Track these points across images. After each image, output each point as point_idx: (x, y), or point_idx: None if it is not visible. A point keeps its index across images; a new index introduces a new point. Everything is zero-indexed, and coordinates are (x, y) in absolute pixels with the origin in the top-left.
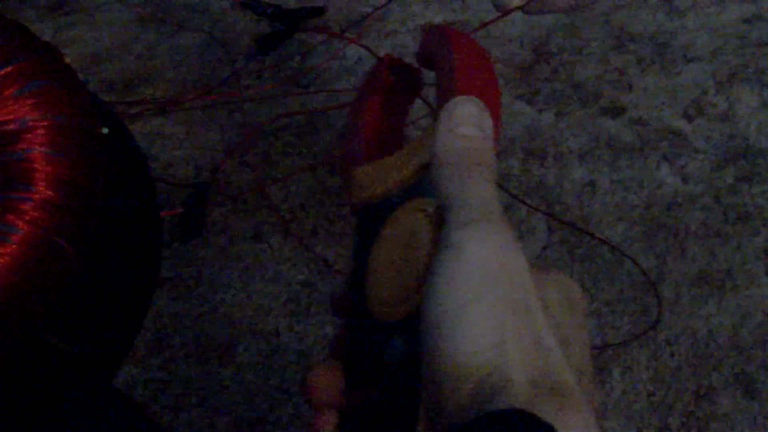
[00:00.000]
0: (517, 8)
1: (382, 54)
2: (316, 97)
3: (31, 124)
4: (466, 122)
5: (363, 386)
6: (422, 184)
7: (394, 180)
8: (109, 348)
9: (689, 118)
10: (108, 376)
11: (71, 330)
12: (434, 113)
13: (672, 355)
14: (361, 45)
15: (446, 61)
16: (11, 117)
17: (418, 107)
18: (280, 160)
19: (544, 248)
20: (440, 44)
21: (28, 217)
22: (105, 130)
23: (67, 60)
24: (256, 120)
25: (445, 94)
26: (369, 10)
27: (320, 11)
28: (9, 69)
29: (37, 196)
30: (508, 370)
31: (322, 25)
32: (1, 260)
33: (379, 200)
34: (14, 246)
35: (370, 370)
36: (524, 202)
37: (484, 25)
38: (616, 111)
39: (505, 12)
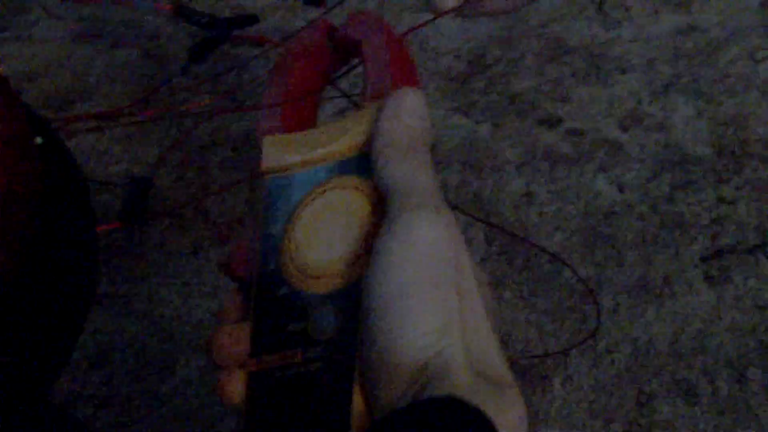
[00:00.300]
0: (452, 10)
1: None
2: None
3: None
4: (411, 113)
5: (274, 351)
6: (346, 163)
7: (316, 155)
8: (44, 361)
9: (625, 129)
10: (44, 392)
11: (3, 340)
12: (362, 99)
13: (612, 362)
14: None
15: (382, 49)
16: None
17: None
18: (217, 174)
19: (483, 259)
20: (375, 33)
21: None
22: (39, 140)
23: (0, 70)
24: (193, 134)
25: (379, 83)
26: (303, 23)
27: (254, 19)
28: None
29: None
30: (451, 357)
31: (259, 36)
32: None
33: (293, 172)
34: None
35: (282, 336)
36: (466, 213)
37: (416, 27)
38: (552, 122)
39: (440, 14)
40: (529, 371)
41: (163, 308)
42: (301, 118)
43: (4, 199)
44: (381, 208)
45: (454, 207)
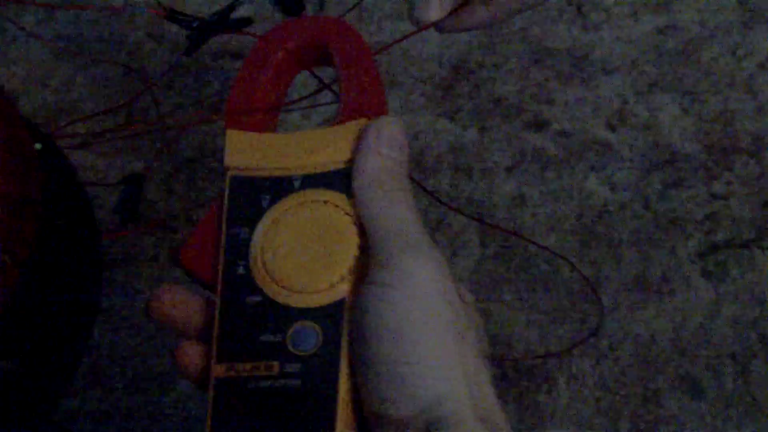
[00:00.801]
0: (434, 24)
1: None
2: None
3: None
4: (391, 144)
5: (245, 360)
6: (323, 177)
7: (289, 163)
8: (51, 369)
9: (613, 129)
10: (49, 407)
11: (11, 348)
12: (340, 112)
13: (616, 360)
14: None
15: (362, 67)
16: None
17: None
18: (205, 186)
19: (479, 261)
20: (353, 47)
21: None
22: (38, 146)
23: None
24: (180, 147)
25: (358, 103)
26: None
27: (248, 21)
28: None
29: None
30: (458, 404)
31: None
32: None
33: (261, 174)
34: None
35: (254, 345)
36: (464, 213)
37: (399, 40)
38: (539, 125)
39: (422, 27)
40: (533, 371)
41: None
42: (268, 121)
43: (6, 204)
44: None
45: (452, 208)
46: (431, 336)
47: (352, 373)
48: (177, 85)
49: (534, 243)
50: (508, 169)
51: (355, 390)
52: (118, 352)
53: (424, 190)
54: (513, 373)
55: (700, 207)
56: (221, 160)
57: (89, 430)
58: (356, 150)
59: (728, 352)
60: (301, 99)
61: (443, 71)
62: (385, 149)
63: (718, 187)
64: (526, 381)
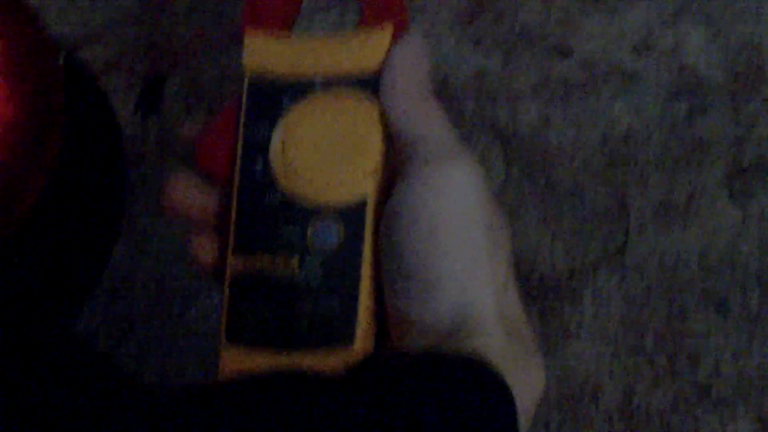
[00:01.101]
0: None
1: None
2: None
3: None
4: (419, 64)
5: (264, 252)
6: (344, 80)
7: (309, 68)
8: (74, 283)
9: (638, 56)
10: (70, 320)
11: (35, 255)
12: (363, 18)
13: (642, 278)
14: None
15: None
16: None
17: None
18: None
19: (503, 183)
20: None
21: None
22: (62, 58)
23: None
24: (202, 71)
25: (379, 8)
26: None
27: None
28: None
29: None
30: (484, 312)
31: None
32: None
33: (280, 77)
34: None
35: (273, 239)
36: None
37: None
38: (564, 52)
39: None
40: (558, 288)
41: (180, 241)
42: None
43: (30, 111)
44: (389, 133)
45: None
46: (464, 238)
47: (376, 273)
48: (196, 17)
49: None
50: (532, 96)
51: (377, 288)
52: (139, 271)
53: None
54: (538, 291)
55: (726, 132)
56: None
57: (111, 346)
58: (383, 64)
59: (754, 272)
60: None
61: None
62: (414, 61)
63: (744, 113)
64: (552, 298)
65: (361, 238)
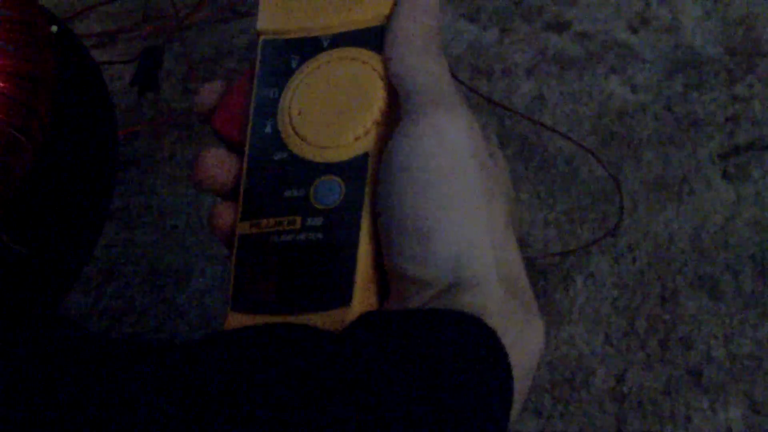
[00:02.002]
0: None
1: None
2: None
3: None
4: (428, 13)
5: (269, 215)
6: (352, 35)
7: (320, 24)
8: (64, 256)
9: (634, 30)
10: (56, 300)
11: (24, 230)
12: None
13: (634, 260)
14: None
15: None
16: None
17: None
18: None
19: None
20: None
21: None
22: (54, 29)
23: None
24: (197, 46)
25: None
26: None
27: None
28: None
29: None
30: (483, 267)
31: None
32: None
33: (291, 36)
34: None
35: (278, 201)
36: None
37: None
38: (560, 26)
39: None
40: (550, 270)
41: (174, 220)
42: None
43: (22, 83)
44: (392, 87)
45: (484, 96)
46: (459, 192)
47: (376, 229)
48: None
49: (557, 132)
50: (528, 70)
51: (377, 246)
52: (132, 251)
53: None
54: (530, 272)
55: (722, 109)
56: (238, 60)
57: (103, 328)
58: (391, 13)
59: (748, 253)
60: None
61: None
62: (421, 17)
63: (740, 89)
64: (543, 280)
65: (361, 193)
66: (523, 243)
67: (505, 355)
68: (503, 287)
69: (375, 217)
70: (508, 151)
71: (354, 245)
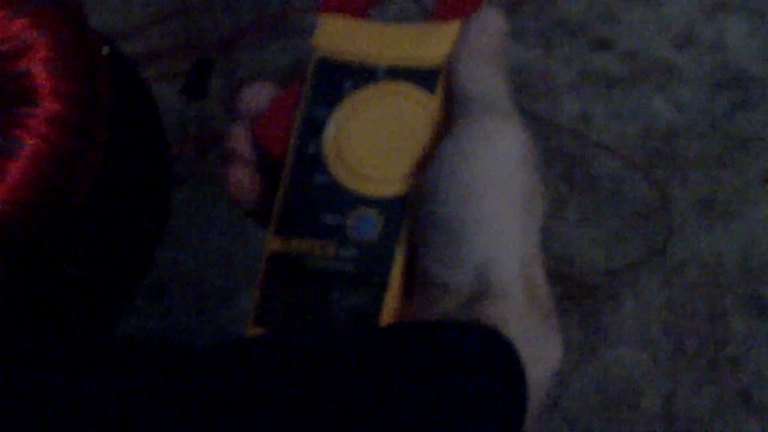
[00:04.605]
0: None
1: None
2: None
3: (31, 41)
4: (496, 32)
5: (303, 236)
6: (409, 72)
7: (377, 53)
8: (122, 279)
9: (679, 49)
10: (112, 321)
11: (81, 254)
12: (436, 10)
13: (682, 280)
14: None
15: None
16: (10, 35)
17: None
18: None
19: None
20: None
21: (35, 132)
22: (106, 50)
23: None
24: (240, 67)
25: (455, 3)
26: None
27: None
28: None
29: (42, 110)
30: (508, 274)
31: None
32: (12, 175)
33: (347, 59)
34: (24, 161)
35: (314, 224)
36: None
37: None
38: (605, 44)
39: None
40: (598, 290)
41: (219, 240)
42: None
43: (77, 105)
44: (441, 127)
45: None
46: (500, 199)
47: (407, 268)
48: (235, 6)
49: (606, 147)
50: (573, 89)
51: (407, 283)
52: (177, 270)
53: None
54: (577, 292)
55: None
56: (280, 80)
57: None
58: (462, 31)
59: None
60: None
61: None
62: (490, 30)
63: None
64: (591, 300)
65: (398, 232)
66: (569, 263)
67: (522, 371)
68: (527, 296)
69: (408, 254)
70: (554, 170)
71: (384, 285)
